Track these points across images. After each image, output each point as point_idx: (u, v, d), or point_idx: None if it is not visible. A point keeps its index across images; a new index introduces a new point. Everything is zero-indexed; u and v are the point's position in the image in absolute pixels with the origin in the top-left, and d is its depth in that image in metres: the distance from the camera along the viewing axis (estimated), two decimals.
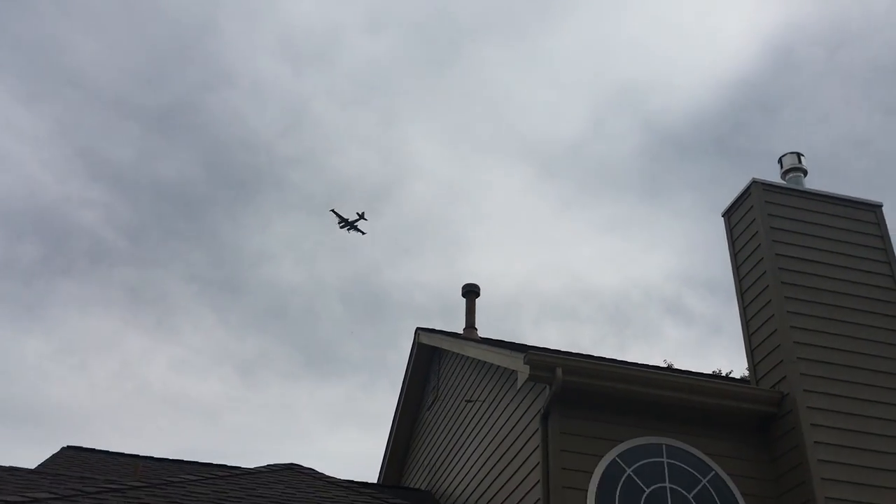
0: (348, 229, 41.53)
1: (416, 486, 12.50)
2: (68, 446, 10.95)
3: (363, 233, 41.69)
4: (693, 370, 8.86)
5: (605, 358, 8.83)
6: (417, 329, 12.88)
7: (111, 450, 11.31)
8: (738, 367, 24.93)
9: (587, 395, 7.79)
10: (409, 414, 13.59)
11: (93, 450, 11.12)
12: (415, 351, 13.07)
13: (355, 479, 9.90)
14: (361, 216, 41.05)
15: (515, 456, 8.44)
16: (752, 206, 9.31)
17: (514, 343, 9.89)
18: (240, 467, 9.06)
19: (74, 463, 10.18)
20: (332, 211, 41.74)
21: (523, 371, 7.71)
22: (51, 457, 10.42)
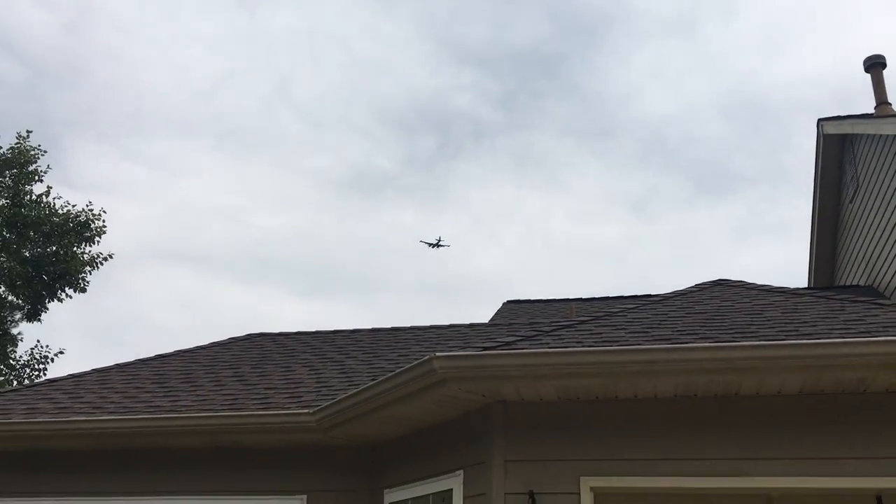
0: (436, 247, 58.61)
1: (853, 284, 11.80)
2: (508, 301, 12.22)
3: (448, 245, 59.74)
4: None
5: None
6: (820, 121, 11.85)
7: (543, 298, 12.42)
8: None
9: None
10: (829, 212, 12.77)
11: (529, 300, 12.29)
12: (821, 145, 12.11)
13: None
14: (440, 239, 58.68)
15: None
16: None
17: None
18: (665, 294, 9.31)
19: (518, 313, 11.36)
20: (421, 241, 59.96)
21: None
22: (497, 312, 11.74)
